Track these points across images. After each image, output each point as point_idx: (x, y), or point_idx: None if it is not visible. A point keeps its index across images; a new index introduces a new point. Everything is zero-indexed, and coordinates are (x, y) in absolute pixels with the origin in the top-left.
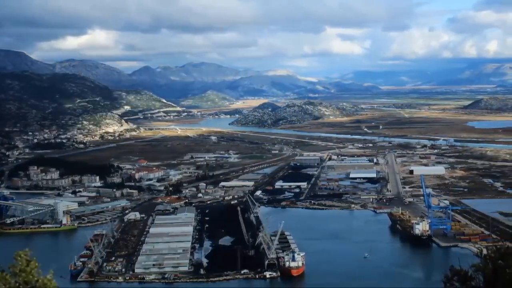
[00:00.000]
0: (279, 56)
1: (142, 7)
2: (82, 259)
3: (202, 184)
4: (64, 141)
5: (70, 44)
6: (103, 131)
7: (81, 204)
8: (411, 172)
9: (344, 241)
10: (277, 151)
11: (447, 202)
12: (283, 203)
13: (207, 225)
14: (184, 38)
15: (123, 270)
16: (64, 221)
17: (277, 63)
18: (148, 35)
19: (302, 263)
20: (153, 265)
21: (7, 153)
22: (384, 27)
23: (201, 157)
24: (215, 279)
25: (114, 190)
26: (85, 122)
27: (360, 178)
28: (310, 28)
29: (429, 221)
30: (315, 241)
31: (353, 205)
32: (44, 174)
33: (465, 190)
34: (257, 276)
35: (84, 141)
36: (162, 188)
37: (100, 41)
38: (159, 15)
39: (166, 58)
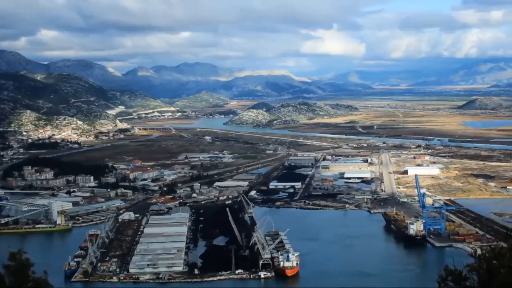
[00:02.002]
0: (260, 57)
1: (57, 5)
2: (76, 259)
3: (196, 184)
4: (58, 141)
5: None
6: (98, 131)
7: (75, 204)
8: (406, 172)
9: (338, 241)
10: (271, 151)
11: (441, 202)
12: (278, 203)
13: (201, 225)
14: (136, 39)
15: (118, 270)
16: (58, 221)
17: (266, 64)
18: (96, 35)
19: (297, 263)
20: (148, 265)
21: (2, 153)
22: (338, 28)
23: (196, 157)
24: (210, 279)
25: (109, 190)
26: (79, 122)
27: (354, 178)
28: (267, 28)
29: (424, 221)
30: (310, 241)
31: (347, 205)
32: (38, 174)
33: (459, 190)
34: (251, 276)
35: (79, 141)
36: (156, 188)
37: (47, 41)
38: (86, 14)
39: (135, 58)
